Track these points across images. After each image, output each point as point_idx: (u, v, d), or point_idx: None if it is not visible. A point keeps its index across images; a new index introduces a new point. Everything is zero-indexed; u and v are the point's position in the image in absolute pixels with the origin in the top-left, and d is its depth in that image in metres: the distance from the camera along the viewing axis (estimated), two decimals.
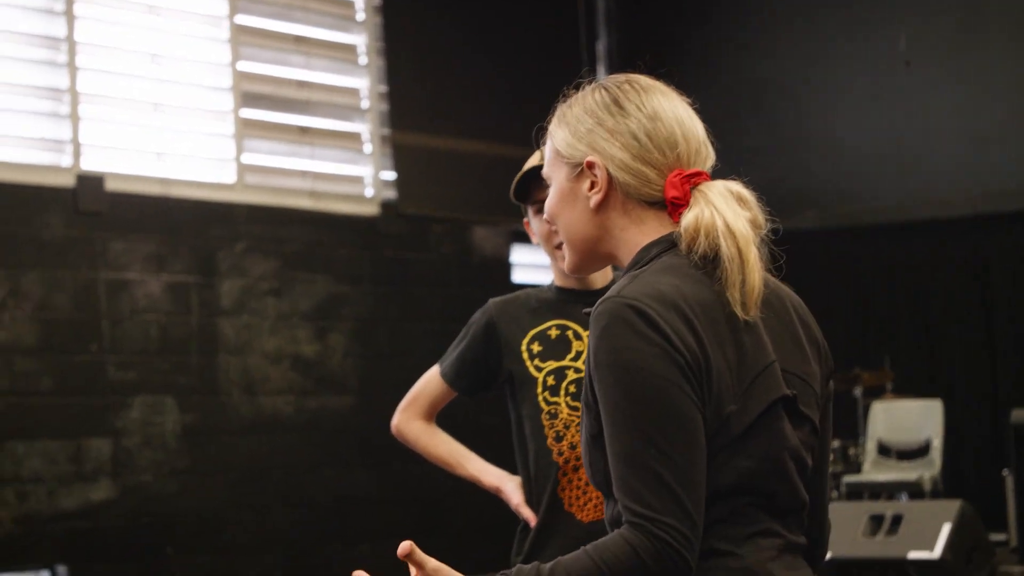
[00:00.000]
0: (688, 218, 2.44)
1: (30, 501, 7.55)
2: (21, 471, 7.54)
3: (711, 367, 2.34)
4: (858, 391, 9.71)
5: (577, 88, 2.58)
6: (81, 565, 7.72)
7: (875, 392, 9.95)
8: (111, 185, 7.98)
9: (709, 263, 2.41)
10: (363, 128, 9.24)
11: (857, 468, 9.48)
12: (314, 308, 8.80)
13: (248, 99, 8.68)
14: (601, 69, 10.69)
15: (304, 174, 8.97)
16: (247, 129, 8.66)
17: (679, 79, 2.65)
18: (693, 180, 2.47)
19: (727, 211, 2.42)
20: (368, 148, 9.23)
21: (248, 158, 8.68)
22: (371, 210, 9.12)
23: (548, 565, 2.30)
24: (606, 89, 2.52)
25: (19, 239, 7.63)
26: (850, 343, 10.23)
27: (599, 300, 2.38)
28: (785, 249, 2.51)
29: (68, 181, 7.84)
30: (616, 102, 2.51)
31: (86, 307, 7.86)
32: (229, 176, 8.59)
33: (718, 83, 10.29)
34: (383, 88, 9.28)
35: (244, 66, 8.66)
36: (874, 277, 10.68)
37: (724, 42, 10.90)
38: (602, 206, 2.52)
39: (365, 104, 9.25)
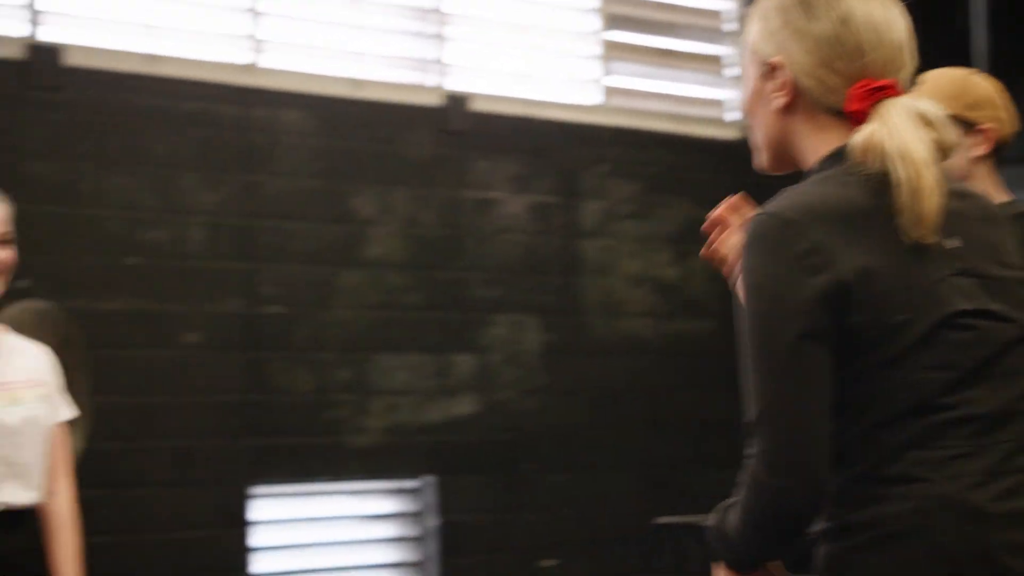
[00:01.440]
0: (860, 135, 2.30)
1: (398, 413, 7.79)
2: (390, 383, 7.78)
3: (870, 277, 2.21)
4: None
5: None
6: (446, 476, 7.92)
7: None
8: (476, 105, 8.14)
9: (881, 181, 2.27)
10: (725, 51, 9.16)
11: None
12: (675, 231, 8.80)
13: (613, 21, 8.71)
14: None
15: (666, 97, 8.96)
16: (612, 51, 8.70)
17: None
18: (879, 94, 2.32)
19: (905, 132, 2.26)
20: (729, 72, 9.16)
21: (612, 80, 8.72)
22: (731, 134, 9.05)
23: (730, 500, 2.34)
24: None
25: (388, 157, 7.85)
26: None
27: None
28: None
29: (435, 100, 8.02)
30: (806, 1, 2.39)
31: (452, 224, 8.04)
32: (593, 98, 8.65)
33: None
34: (746, 11, 9.17)
35: None
36: None
37: None
38: (787, 110, 2.41)
39: (728, 27, 9.17)
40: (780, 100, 2.42)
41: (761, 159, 2.53)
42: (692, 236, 8.72)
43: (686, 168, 8.90)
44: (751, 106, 2.50)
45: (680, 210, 8.81)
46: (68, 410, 4.00)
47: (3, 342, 3.85)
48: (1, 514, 3.72)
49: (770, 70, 2.42)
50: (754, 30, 2.47)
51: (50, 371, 3.94)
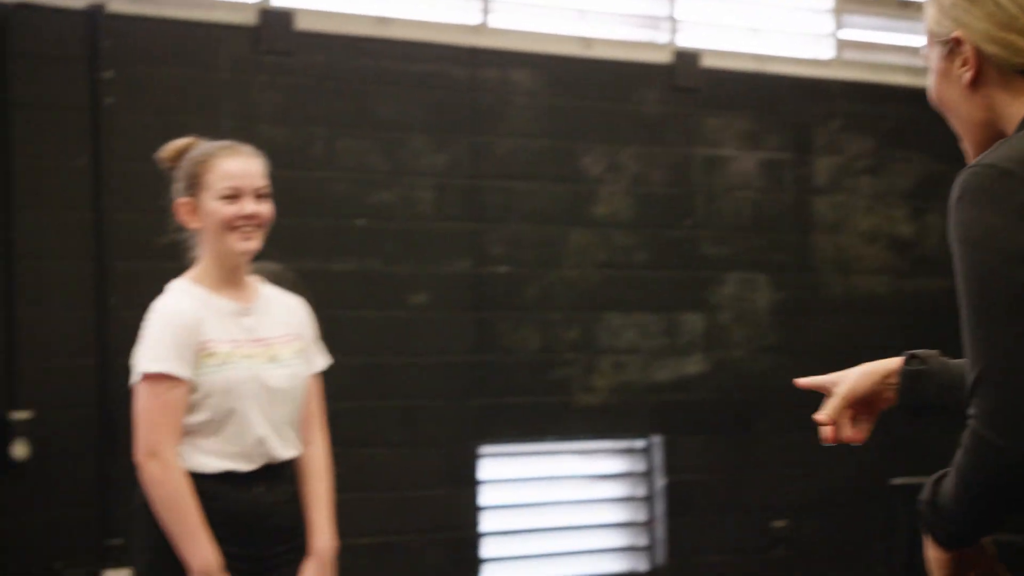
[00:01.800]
0: None
1: (626, 372, 7.77)
2: (618, 342, 7.76)
3: None
4: None
5: None
6: (673, 436, 7.89)
7: None
8: (707, 61, 8.03)
9: None
10: None
11: None
12: (911, 187, 8.58)
13: None
14: None
15: (901, 49, 8.72)
16: (844, 3, 8.49)
17: None
18: None
19: None
20: None
21: (845, 33, 8.52)
22: None
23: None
24: None
25: (617, 115, 7.80)
26: None
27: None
28: None
29: (665, 57, 7.93)
30: None
31: (681, 182, 7.97)
32: (826, 52, 8.47)
33: None
34: None
35: None
36: None
37: None
38: (976, 83, 2.34)
39: None
40: (967, 74, 2.36)
41: (965, 148, 2.46)
42: (929, 192, 8.51)
43: (923, 122, 8.62)
44: (941, 93, 2.45)
45: (916, 165, 8.59)
46: (323, 360, 4.07)
47: (261, 295, 3.93)
48: (265, 468, 3.82)
49: (952, 47, 2.37)
50: (929, 15, 2.43)
51: (306, 323, 4.01)
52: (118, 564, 6.44)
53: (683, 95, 7.96)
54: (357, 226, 7.10)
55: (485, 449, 7.44)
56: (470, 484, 7.35)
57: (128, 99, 6.60)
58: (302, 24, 6.99)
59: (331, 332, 6.86)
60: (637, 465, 7.94)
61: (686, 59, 7.96)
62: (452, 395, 7.29)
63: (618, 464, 7.94)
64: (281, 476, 3.87)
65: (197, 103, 6.76)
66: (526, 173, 7.54)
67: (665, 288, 7.90)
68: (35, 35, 6.42)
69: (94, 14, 6.50)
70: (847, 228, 8.43)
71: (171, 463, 3.73)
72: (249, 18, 6.88)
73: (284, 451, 3.86)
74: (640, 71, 7.85)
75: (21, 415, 6.28)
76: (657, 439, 7.88)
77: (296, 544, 3.91)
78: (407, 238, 7.22)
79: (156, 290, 6.54)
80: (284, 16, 6.94)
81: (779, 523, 8.13)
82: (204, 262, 3.90)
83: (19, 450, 6.24)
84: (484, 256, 7.40)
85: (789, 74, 8.27)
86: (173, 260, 6.58)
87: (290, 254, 6.84)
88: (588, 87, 7.72)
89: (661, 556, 7.83)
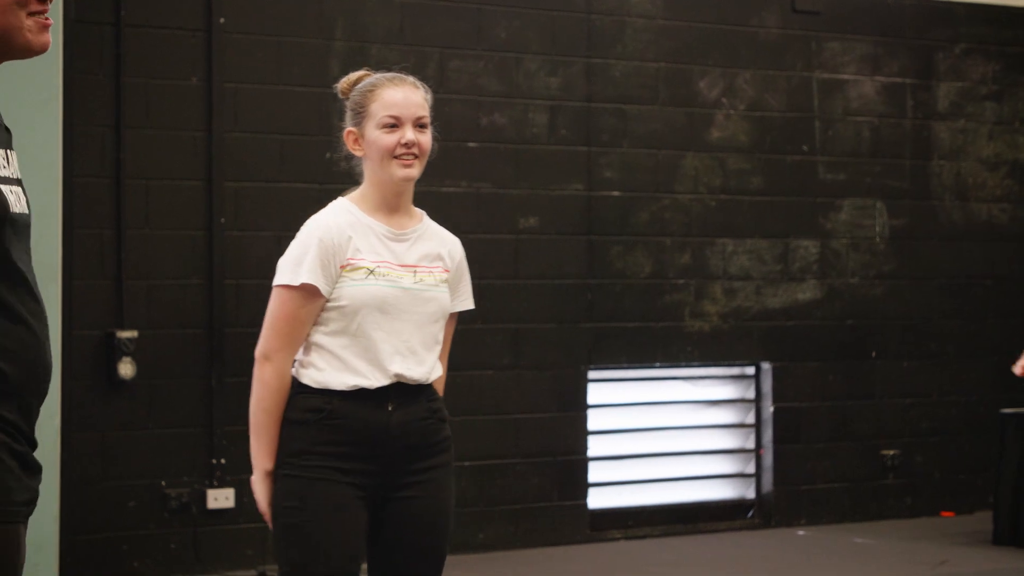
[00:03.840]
0: None
1: (737, 298, 7.71)
2: (729, 268, 7.69)
3: None
4: None
5: None
6: (783, 363, 7.83)
7: None
8: None
9: None
10: None
11: None
12: None
13: None
14: None
15: None
16: None
17: None
18: None
19: None
20: None
21: None
22: None
23: None
24: None
25: (735, 38, 7.69)
26: None
27: None
28: None
29: None
30: None
31: (799, 107, 7.85)
32: None
33: None
34: None
35: None
36: None
37: None
38: None
39: None
40: None
41: None
42: None
43: None
44: None
45: None
46: (468, 302, 4.10)
47: (420, 225, 3.99)
48: (396, 387, 3.87)
49: None
50: None
51: (458, 261, 4.05)
52: (222, 483, 6.52)
53: (803, 18, 7.82)
54: (469, 148, 7.08)
55: (594, 373, 7.43)
56: (578, 408, 7.35)
57: (240, 19, 6.60)
58: None
59: None
60: (746, 392, 7.90)
61: None
62: (562, 319, 7.28)
63: (727, 390, 7.90)
64: (415, 395, 3.90)
65: (310, 24, 6.75)
66: (640, 97, 7.47)
67: (779, 214, 7.81)
68: None
69: None
70: (968, 154, 8.27)
71: (281, 371, 3.84)
72: None
73: (413, 372, 3.89)
74: None
75: (127, 334, 6.35)
76: (767, 365, 7.83)
77: (437, 461, 3.95)
78: (519, 161, 7.19)
79: (264, 211, 6.61)
80: None
81: (890, 452, 8.06)
82: (365, 186, 3.97)
83: (125, 369, 6.32)
84: (596, 180, 7.36)
85: None
86: (280, 181, 6.63)
87: None
88: (706, 9, 7.61)
89: (768, 483, 7.80)
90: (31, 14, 2.70)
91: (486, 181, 7.11)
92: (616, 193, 7.40)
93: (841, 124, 7.95)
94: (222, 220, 6.53)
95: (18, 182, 2.69)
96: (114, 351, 6.31)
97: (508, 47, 7.15)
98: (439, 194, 6.98)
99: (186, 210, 6.52)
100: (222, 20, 6.54)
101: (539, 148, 7.23)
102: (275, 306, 3.87)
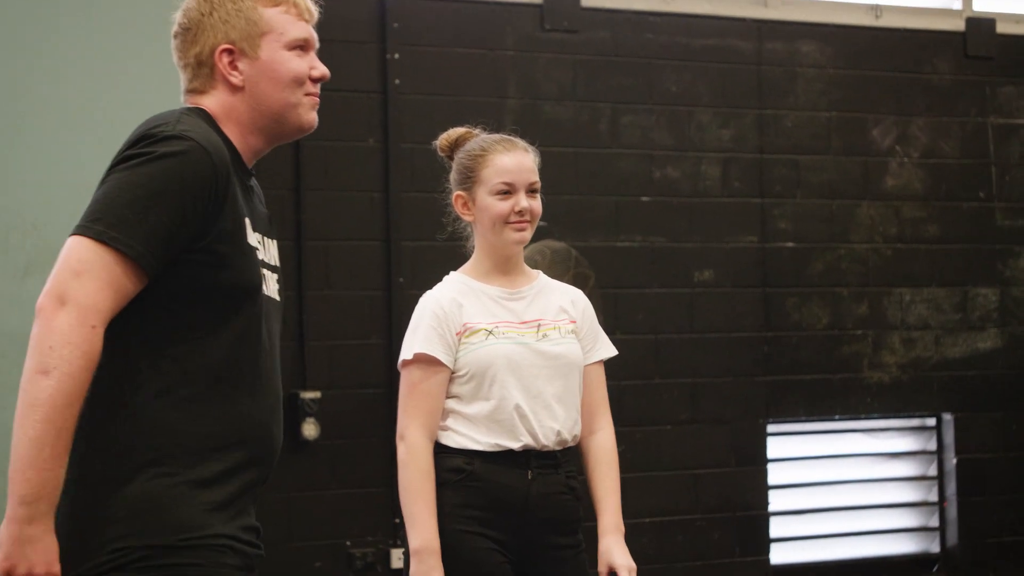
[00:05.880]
0: None
1: (916, 348, 7.59)
2: (908, 317, 7.58)
3: None
4: None
5: None
6: (965, 413, 7.68)
7: None
8: (1001, 28, 7.76)
9: None
10: None
11: None
12: None
13: None
14: None
15: None
16: None
17: None
18: None
19: None
20: None
21: None
22: None
23: None
24: None
25: (908, 84, 7.60)
26: None
27: None
28: None
29: (958, 25, 7.69)
30: None
31: (974, 153, 7.73)
32: None
33: None
34: None
35: None
36: None
37: None
38: None
39: None
40: None
41: None
42: None
43: None
44: None
45: None
46: (607, 349, 4.04)
47: (536, 283, 3.94)
48: (534, 453, 3.80)
49: None
50: None
51: (585, 311, 4.00)
52: (404, 542, 6.54)
53: (976, 63, 7.71)
54: (642, 202, 7.07)
55: (773, 427, 7.35)
56: (758, 462, 7.27)
57: (415, 80, 6.67)
58: (588, 1, 6.97)
59: (616, 309, 6.90)
60: (928, 443, 7.75)
61: (980, 26, 7.70)
62: (739, 372, 7.22)
63: (908, 442, 7.76)
64: (554, 464, 3.85)
65: (482, 82, 6.80)
66: (813, 146, 7.41)
67: (957, 262, 7.68)
68: (324, 18, 6.51)
69: None
70: None
71: (414, 446, 3.76)
72: None
73: (549, 429, 3.83)
74: (931, 39, 7.63)
75: (311, 395, 6.41)
76: (948, 416, 7.68)
77: (572, 541, 3.89)
78: (693, 213, 7.16)
79: (443, 269, 6.62)
80: None
81: None
82: (477, 254, 3.94)
83: (309, 429, 6.38)
84: (771, 231, 7.30)
85: None
86: (459, 240, 6.66)
87: (575, 231, 6.85)
88: (877, 57, 7.53)
89: (953, 537, 7.64)
90: (307, 93, 2.77)
91: (660, 235, 7.09)
92: (791, 244, 7.33)
93: (1018, 169, 7.82)
94: (400, 279, 6.58)
95: (274, 269, 2.73)
96: (298, 412, 6.37)
97: (679, 100, 7.14)
98: (614, 249, 6.97)
99: (366, 270, 6.58)
100: (397, 81, 6.62)
101: (712, 201, 7.19)
102: (401, 385, 3.84)
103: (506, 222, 3.85)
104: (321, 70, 2.83)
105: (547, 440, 3.80)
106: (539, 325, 3.86)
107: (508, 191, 3.85)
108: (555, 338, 3.87)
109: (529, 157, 3.93)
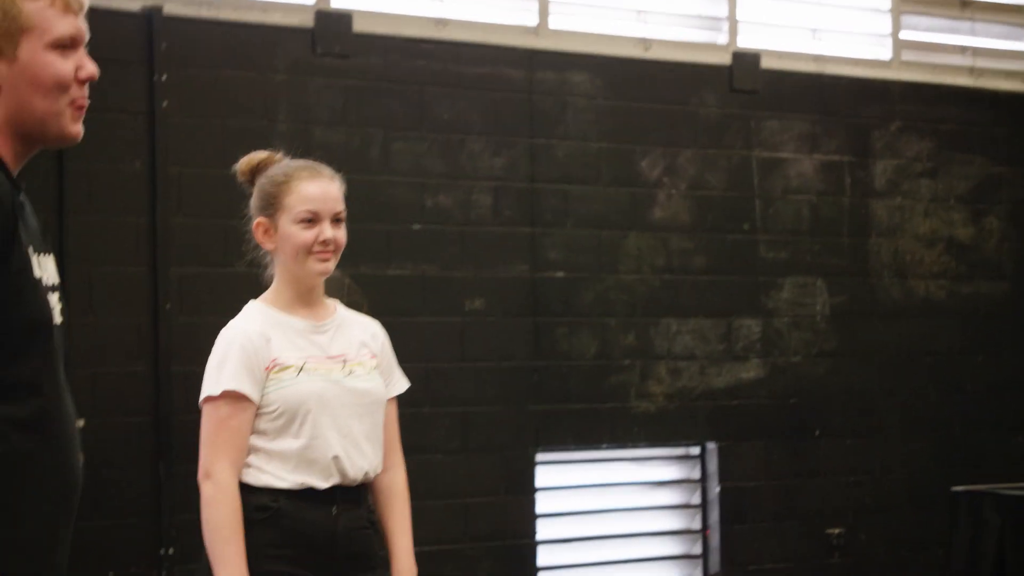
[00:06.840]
0: None
1: (682, 378, 7.67)
2: (674, 347, 7.66)
3: None
4: None
5: None
6: (729, 442, 7.79)
7: None
8: (766, 63, 7.92)
9: None
10: None
11: None
12: (970, 190, 8.46)
13: None
14: None
15: (964, 50, 8.59)
16: (904, 4, 8.37)
17: None
18: None
19: None
20: None
21: (905, 34, 8.39)
22: None
23: None
24: None
25: (676, 117, 7.70)
26: None
27: None
28: None
29: (724, 59, 7.83)
30: None
31: (739, 186, 7.86)
32: (885, 53, 8.34)
33: None
34: None
35: None
36: None
37: None
38: None
39: None
40: None
41: None
42: (988, 195, 8.40)
43: (983, 124, 8.54)
44: None
45: (976, 168, 8.46)
46: (402, 383, 3.97)
47: (337, 315, 3.85)
48: (340, 489, 3.72)
49: None
50: None
51: (383, 345, 3.92)
52: (171, 573, 6.37)
53: (742, 97, 7.86)
54: (413, 230, 7.02)
55: (542, 455, 7.35)
56: (527, 491, 7.26)
57: (184, 102, 6.52)
58: (359, 26, 6.91)
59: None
60: (692, 472, 7.84)
61: (745, 61, 7.85)
62: (509, 401, 7.21)
63: (673, 471, 7.84)
64: (357, 499, 3.78)
65: (253, 106, 6.68)
66: (583, 177, 7.45)
67: (722, 293, 7.80)
68: (90, 38, 6.35)
69: (150, 17, 6.44)
70: (905, 232, 8.31)
71: (223, 484, 3.63)
72: (306, 20, 6.80)
73: (359, 468, 3.76)
74: (699, 73, 7.75)
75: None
76: (712, 446, 7.78)
77: (370, 574, 3.82)
78: (464, 242, 7.13)
79: (210, 296, 6.49)
80: (341, 18, 6.86)
81: (835, 530, 8.03)
82: (277, 283, 3.82)
83: None
84: (541, 261, 7.32)
85: (848, 75, 8.16)
86: (227, 266, 6.53)
87: (346, 258, 6.70)
88: (646, 89, 7.62)
89: (716, 564, 7.74)
90: (72, 99, 2.57)
91: (431, 263, 7.05)
92: (560, 274, 7.36)
93: (780, 202, 7.97)
94: (168, 306, 6.42)
95: (55, 289, 2.58)
96: None
97: (451, 128, 7.12)
98: (384, 277, 6.91)
99: (131, 296, 6.40)
100: (165, 104, 6.46)
101: (483, 229, 7.18)
102: (204, 422, 3.71)
103: (309, 252, 3.74)
104: (89, 70, 2.58)
105: (356, 478, 3.74)
106: (345, 360, 3.78)
107: (312, 220, 3.74)
108: (361, 374, 3.80)
109: (335, 185, 3.82)
